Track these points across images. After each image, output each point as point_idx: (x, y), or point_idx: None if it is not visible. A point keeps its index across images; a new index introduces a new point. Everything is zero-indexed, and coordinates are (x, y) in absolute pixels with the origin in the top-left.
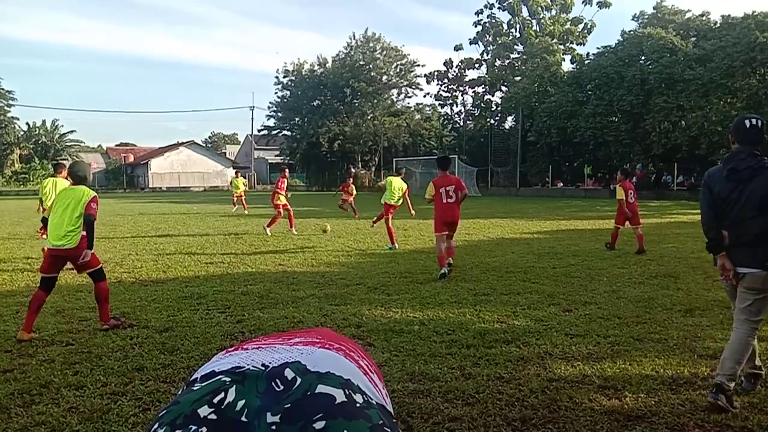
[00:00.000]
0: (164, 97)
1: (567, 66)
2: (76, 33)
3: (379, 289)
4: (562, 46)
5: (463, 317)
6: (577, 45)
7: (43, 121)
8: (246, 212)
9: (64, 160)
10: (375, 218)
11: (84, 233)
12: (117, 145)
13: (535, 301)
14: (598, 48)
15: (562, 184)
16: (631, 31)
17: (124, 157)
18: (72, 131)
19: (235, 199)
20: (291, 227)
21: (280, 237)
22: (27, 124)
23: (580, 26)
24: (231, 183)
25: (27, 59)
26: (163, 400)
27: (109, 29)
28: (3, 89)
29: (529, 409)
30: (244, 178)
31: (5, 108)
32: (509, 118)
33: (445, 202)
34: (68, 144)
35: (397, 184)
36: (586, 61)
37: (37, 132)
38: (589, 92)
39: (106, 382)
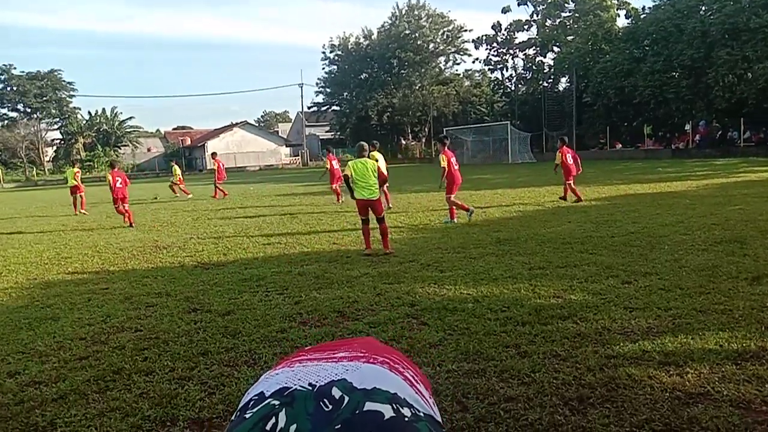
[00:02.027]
0: (217, 79)
1: (622, 22)
2: (126, 21)
3: (432, 266)
4: (616, 1)
5: (517, 293)
6: None
7: (103, 110)
8: (189, 197)
9: None
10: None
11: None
12: (174, 129)
13: (592, 273)
14: (654, 1)
15: (620, 146)
16: None
17: (182, 140)
18: (131, 117)
19: (175, 187)
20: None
21: (333, 215)
22: (89, 112)
23: None
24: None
25: (83, 49)
26: (227, 384)
27: (158, 15)
28: (65, 81)
29: (587, 388)
30: (179, 166)
31: (67, 99)
32: (563, 80)
33: (456, 169)
34: (128, 130)
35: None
36: (642, 16)
37: (98, 120)
38: (647, 48)
39: (173, 367)
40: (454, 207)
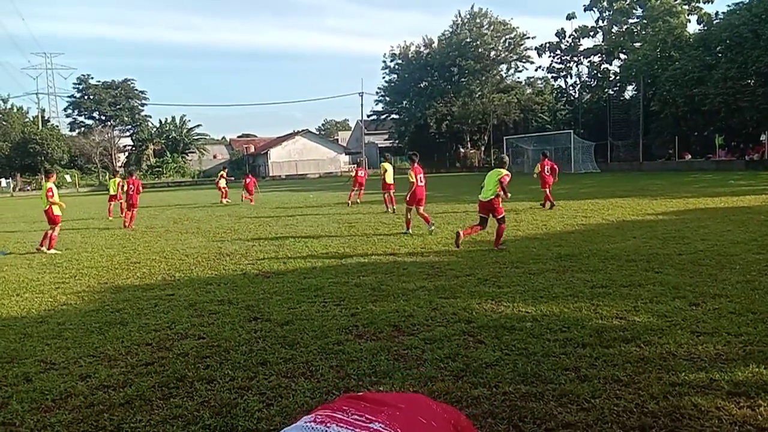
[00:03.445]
0: (281, 88)
1: (693, 27)
2: (194, 31)
3: (490, 281)
4: (686, 6)
5: (578, 312)
6: (704, 3)
7: (173, 117)
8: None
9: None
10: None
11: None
12: (239, 137)
13: (658, 293)
14: (728, 5)
15: (690, 157)
16: None
17: (246, 147)
18: (198, 125)
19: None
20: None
21: (390, 225)
22: (159, 120)
23: None
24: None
25: (154, 59)
26: (285, 395)
27: (223, 25)
28: (137, 90)
29: (649, 417)
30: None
31: (139, 107)
32: (629, 88)
33: (420, 185)
34: (195, 137)
35: (390, 168)
36: (715, 21)
37: (167, 128)
38: (719, 55)
39: (234, 376)
40: (407, 219)
